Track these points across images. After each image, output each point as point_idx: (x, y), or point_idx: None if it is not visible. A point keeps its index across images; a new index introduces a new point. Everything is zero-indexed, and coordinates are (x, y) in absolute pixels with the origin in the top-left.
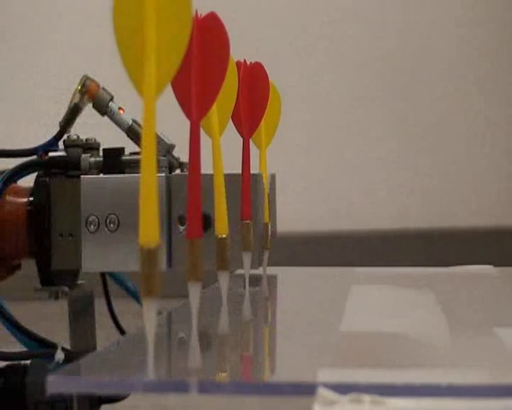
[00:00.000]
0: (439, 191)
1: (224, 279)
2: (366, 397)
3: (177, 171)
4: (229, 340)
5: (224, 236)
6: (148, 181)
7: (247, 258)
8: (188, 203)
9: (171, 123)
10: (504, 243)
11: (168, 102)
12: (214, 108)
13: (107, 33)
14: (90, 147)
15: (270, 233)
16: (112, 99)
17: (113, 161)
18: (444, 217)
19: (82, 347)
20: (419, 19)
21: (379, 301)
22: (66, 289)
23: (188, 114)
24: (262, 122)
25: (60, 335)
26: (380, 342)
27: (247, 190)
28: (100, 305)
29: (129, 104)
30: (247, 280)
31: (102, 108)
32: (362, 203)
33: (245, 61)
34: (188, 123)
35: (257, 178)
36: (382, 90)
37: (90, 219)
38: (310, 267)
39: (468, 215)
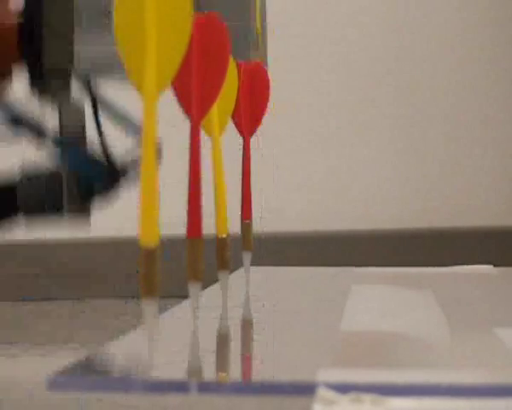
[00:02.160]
0: (439, 191)
1: (223, 279)
2: (366, 397)
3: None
4: (229, 340)
5: (224, 236)
6: (148, 181)
7: (247, 258)
8: (188, 203)
9: (171, 123)
10: (504, 243)
11: (168, 102)
12: (214, 108)
13: None
14: None
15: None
16: None
17: None
18: (444, 217)
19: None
20: (419, 19)
21: (379, 301)
22: (57, 106)
23: (188, 114)
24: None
25: (60, 335)
26: (380, 342)
27: (248, 189)
28: (100, 305)
29: (129, 104)
30: (247, 280)
31: None
32: (362, 203)
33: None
34: (188, 123)
35: None
36: (383, 90)
37: (84, 15)
38: (309, 267)
39: (468, 215)
